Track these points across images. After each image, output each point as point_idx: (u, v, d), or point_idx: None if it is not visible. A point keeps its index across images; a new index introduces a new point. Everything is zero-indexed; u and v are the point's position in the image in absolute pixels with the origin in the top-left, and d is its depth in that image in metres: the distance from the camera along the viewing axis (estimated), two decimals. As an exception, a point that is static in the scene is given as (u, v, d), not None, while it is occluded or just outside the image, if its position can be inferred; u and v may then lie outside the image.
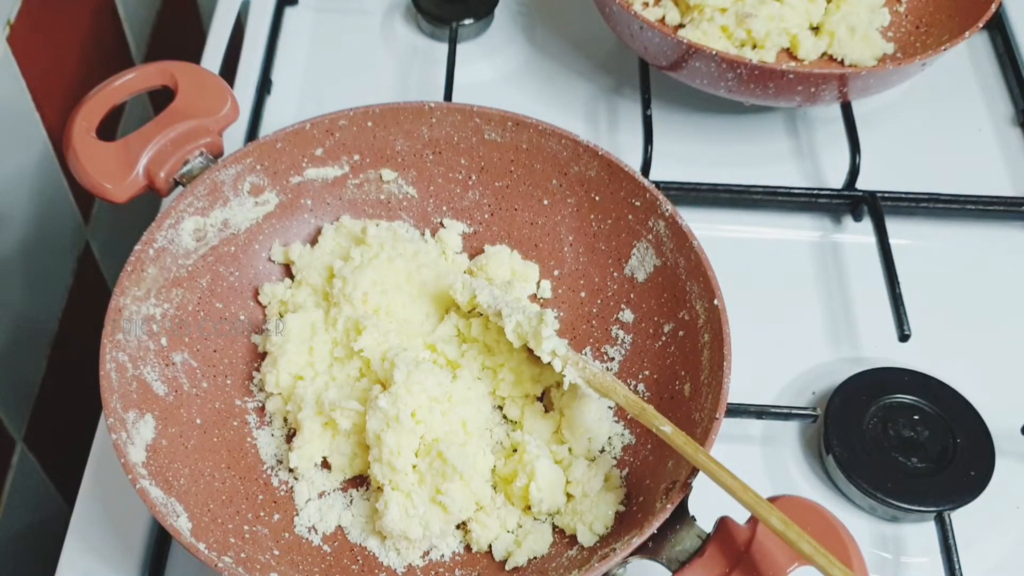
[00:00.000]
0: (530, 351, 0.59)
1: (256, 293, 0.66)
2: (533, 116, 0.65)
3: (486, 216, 0.69)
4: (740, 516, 0.49)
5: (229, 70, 0.86)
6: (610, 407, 0.62)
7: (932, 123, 0.84)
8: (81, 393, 0.75)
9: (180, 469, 0.55)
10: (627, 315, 0.65)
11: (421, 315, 0.65)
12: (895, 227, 0.74)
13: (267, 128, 0.82)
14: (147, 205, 0.73)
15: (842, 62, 0.82)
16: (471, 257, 0.69)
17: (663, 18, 0.83)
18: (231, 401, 0.62)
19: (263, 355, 0.64)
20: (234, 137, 0.79)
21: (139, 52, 1.00)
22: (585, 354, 0.65)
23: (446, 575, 0.57)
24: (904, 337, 0.66)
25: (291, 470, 0.60)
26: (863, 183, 0.76)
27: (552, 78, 0.86)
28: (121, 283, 0.57)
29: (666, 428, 0.51)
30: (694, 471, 0.50)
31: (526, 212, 0.68)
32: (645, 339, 0.63)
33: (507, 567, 0.57)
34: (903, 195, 0.76)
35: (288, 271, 0.67)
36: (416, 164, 0.68)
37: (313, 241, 0.68)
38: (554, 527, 0.58)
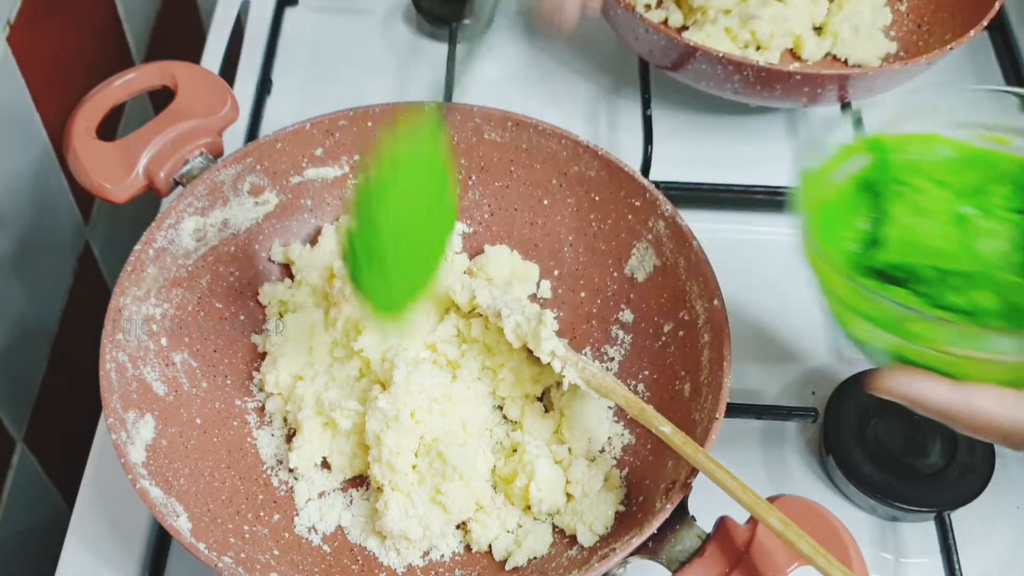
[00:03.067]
0: (530, 351, 0.59)
1: (256, 293, 0.66)
2: (533, 116, 0.65)
3: (486, 216, 0.69)
4: (740, 516, 0.49)
5: (229, 70, 0.86)
6: (610, 407, 0.62)
7: (932, 123, 0.84)
8: (81, 393, 0.75)
9: (180, 469, 0.55)
10: (627, 315, 0.65)
11: (421, 315, 0.65)
12: (895, 227, 0.73)
13: (267, 128, 0.82)
14: (147, 205, 0.73)
15: (845, 62, 0.82)
16: (471, 257, 0.69)
17: (666, 20, 0.83)
18: (231, 401, 0.62)
19: (263, 355, 0.64)
20: (234, 137, 0.79)
21: (139, 52, 1.00)
22: (585, 354, 0.65)
23: (446, 575, 0.57)
24: (904, 337, 0.66)
25: (291, 470, 0.60)
26: (863, 183, 0.76)
27: (552, 78, 0.86)
28: (121, 283, 0.57)
29: (665, 428, 0.51)
30: (694, 471, 0.50)
31: (526, 212, 0.68)
32: (645, 339, 0.63)
33: (507, 567, 0.57)
34: (903, 195, 0.76)
35: (288, 271, 0.67)
36: (416, 164, 0.68)
37: (313, 241, 0.68)
38: (554, 527, 0.58)
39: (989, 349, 0.41)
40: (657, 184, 0.68)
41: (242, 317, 0.65)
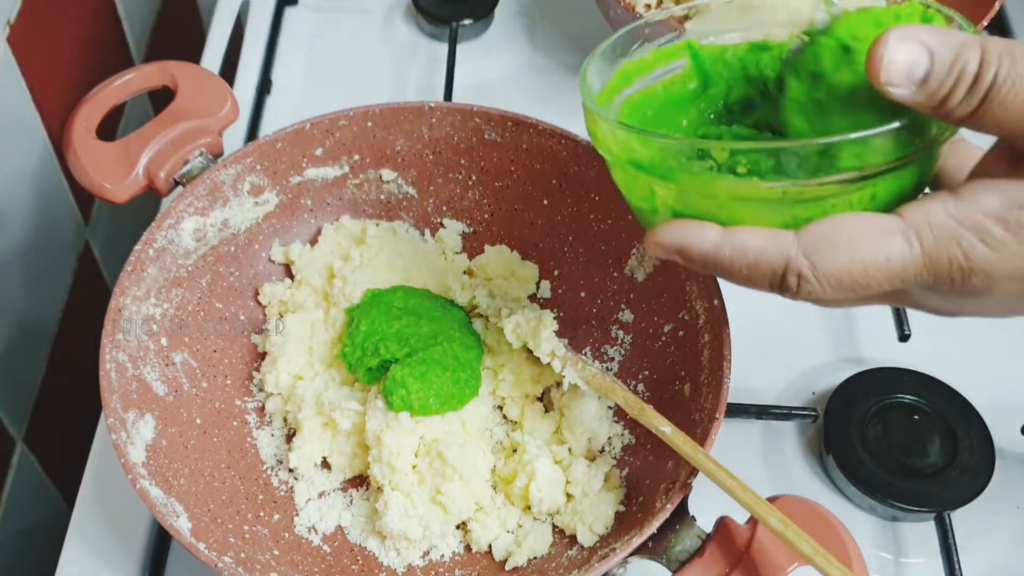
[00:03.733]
0: (530, 351, 0.59)
1: (256, 293, 0.66)
2: (533, 116, 0.65)
3: (486, 216, 0.69)
4: (740, 516, 0.49)
5: (229, 70, 0.86)
6: (610, 407, 0.62)
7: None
8: (81, 393, 0.75)
9: (180, 469, 0.55)
10: (627, 315, 0.65)
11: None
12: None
13: (267, 128, 0.82)
14: (147, 205, 0.73)
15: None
16: (471, 257, 0.69)
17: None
18: (231, 401, 0.62)
19: (263, 355, 0.64)
20: (234, 137, 0.79)
21: (139, 52, 1.00)
22: (585, 354, 0.65)
23: (446, 575, 0.57)
24: (904, 337, 0.66)
25: (291, 470, 0.60)
26: (863, 183, 0.76)
27: (552, 78, 0.86)
28: (121, 283, 0.57)
29: (665, 428, 0.51)
30: (693, 471, 0.50)
31: (526, 212, 0.68)
32: (645, 339, 0.63)
33: (507, 567, 0.57)
34: (903, 195, 0.76)
35: (288, 271, 0.67)
36: (416, 164, 0.68)
37: (313, 241, 0.68)
38: (554, 527, 0.58)
39: (750, 170, 0.39)
40: (657, 184, 0.68)
41: (242, 317, 0.65)
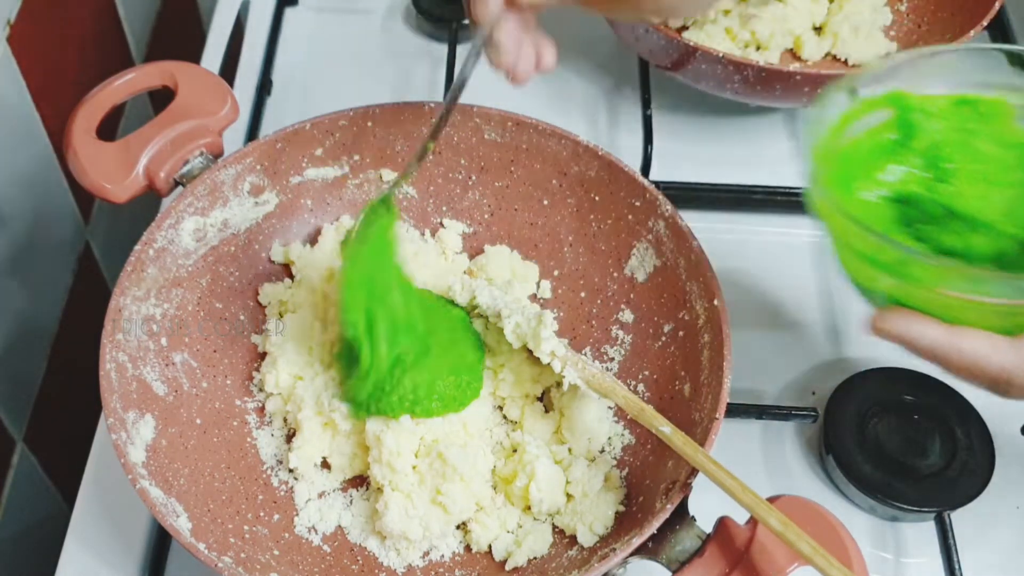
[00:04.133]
0: (530, 351, 0.59)
1: (256, 293, 0.66)
2: (533, 116, 0.65)
3: (486, 216, 0.69)
4: (740, 516, 0.49)
5: (229, 70, 0.86)
6: (610, 407, 0.62)
7: (932, 123, 0.84)
8: (81, 393, 0.75)
9: (180, 469, 0.55)
10: (627, 315, 0.65)
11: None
12: (895, 227, 0.74)
13: (267, 128, 0.82)
14: (147, 205, 0.73)
15: (845, 62, 0.82)
16: (471, 257, 0.69)
17: (666, 20, 0.83)
18: (231, 401, 0.62)
19: (263, 355, 0.64)
20: (234, 137, 0.79)
21: (139, 52, 1.00)
22: (585, 354, 0.65)
23: (446, 575, 0.57)
24: (904, 337, 0.66)
25: (291, 470, 0.60)
26: (863, 183, 0.76)
27: (552, 78, 0.86)
28: (121, 283, 0.57)
29: (665, 428, 0.51)
30: (693, 471, 0.50)
31: (526, 212, 0.68)
32: (645, 339, 0.63)
33: (507, 567, 0.57)
34: (903, 195, 0.76)
35: (288, 271, 0.67)
36: (416, 164, 0.68)
37: (313, 241, 0.68)
38: (554, 527, 0.58)
39: (983, 292, 0.42)
40: (657, 184, 0.68)
41: (242, 317, 0.65)
